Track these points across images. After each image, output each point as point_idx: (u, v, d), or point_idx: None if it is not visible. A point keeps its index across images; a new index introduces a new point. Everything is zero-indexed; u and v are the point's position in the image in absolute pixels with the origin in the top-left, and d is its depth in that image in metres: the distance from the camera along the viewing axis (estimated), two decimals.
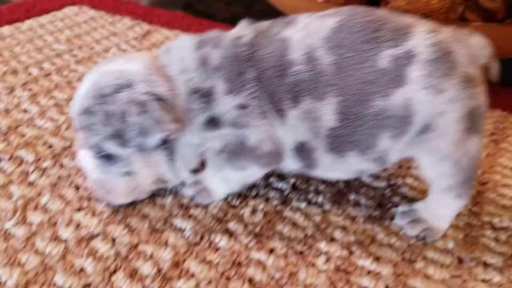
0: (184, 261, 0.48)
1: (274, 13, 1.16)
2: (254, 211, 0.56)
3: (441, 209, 0.53)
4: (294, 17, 0.50)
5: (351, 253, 0.52)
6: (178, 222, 0.53)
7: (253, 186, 0.59)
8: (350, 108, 0.46)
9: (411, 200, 0.59)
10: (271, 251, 0.51)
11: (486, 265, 0.51)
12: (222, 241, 0.51)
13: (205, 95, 0.49)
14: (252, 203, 0.57)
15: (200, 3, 1.27)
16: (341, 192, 0.60)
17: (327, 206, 0.57)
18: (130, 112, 0.46)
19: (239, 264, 0.49)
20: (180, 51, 0.51)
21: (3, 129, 0.65)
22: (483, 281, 0.49)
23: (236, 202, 0.57)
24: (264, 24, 0.52)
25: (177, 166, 0.52)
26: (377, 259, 0.51)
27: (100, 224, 0.52)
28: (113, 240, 0.50)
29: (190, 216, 0.54)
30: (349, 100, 0.46)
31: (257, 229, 0.53)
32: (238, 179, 0.54)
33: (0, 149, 0.61)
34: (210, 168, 0.55)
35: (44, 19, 1.00)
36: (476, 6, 0.91)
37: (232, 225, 0.53)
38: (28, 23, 0.98)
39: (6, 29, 0.94)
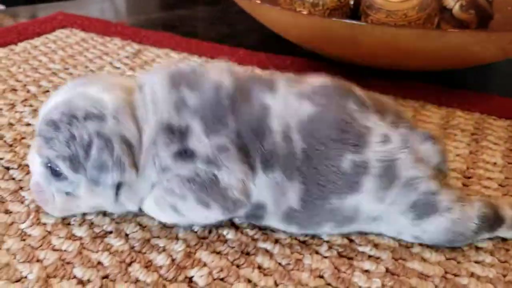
0: (195, 252, 0.51)
1: (256, 32, 1.21)
2: None
3: None
4: (274, 81, 0.52)
5: (351, 241, 0.55)
6: None
7: None
8: (311, 198, 0.49)
9: None
10: (276, 241, 0.54)
11: (477, 248, 0.55)
12: (229, 234, 0.54)
13: (178, 131, 0.48)
14: None
15: (183, 25, 1.31)
16: None
17: None
18: (95, 144, 0.47)
19: (248, 253, 0.52)
20: (153, 90, 0.50)
21: (9, 141, 0.67)
22: (476, 262, 0.53)
23: None
24: (243, 77, 0.52)
25: (121, 201, 0.51)
26: (375, 245, 0.54)
27: (112, 223, 0.54)
28: (126, 235, 0.52)
29: None
30: (310, 191, 0.49)
31: None
32: (192, 213, 0.51)
33: (8, 158, 0.63)
34: (158, 192, 0.50)
35: (36, 41, 1.03)
36: (450, 18, 0.97)
37: (237, 220, 0.56)
38: (21, 45, 1.01)
39: (0, 51, 0.97)
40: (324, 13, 0.91)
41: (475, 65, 0.97)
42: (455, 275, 0.51)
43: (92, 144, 0.47)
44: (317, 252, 0.53)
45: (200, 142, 0.48)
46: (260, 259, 0.51)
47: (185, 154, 0.48)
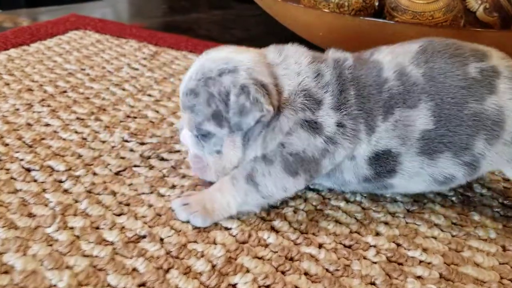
0: (236, 257, 0.48)
1: (272, 35, 1.19)
2: (296, 211, 0.56)
3: None
4: (377, 48, 0.55)
5: (398, 245, 0.52)
6: (223, 222, 0.52)
7: None
8: (445, 110, 0.49)
9: (443, 196, 0.60)
10: (320, 246, 0.50)
11: None
12: (270, 238, 0.51)
13: (316, 102, 0.51)
14: (292, 204, 0.57)
15: (199, 28, 1.29)
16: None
17: (366, 204, 0.58)
18: (231, 93, 0.49)
19: (292, 259, 0.48)
20: (297, 57, 0.53)
21: (28, 141, 0.64)
22: None
23: (276, 203, 0.56)
24: (353, 54, 0.56)
25: (247, 152, 0.53)
26: (424, 250, 0.51)
27: (145, 227, 0.50)
28: (161, 240, 0.49)
29: (232, 218, 0.53)
30: (443, 103, 0.49)
31: (302, 227, 0.53)
32: (278, 185, 0.51)
33: (29, 159, 0.60)
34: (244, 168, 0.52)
35: (50, 42, 1.00)
36: (474, 20, 0.95)
37: (277, 223, 0.53)
38: (34, 46, 0.97)
39: (13, 52, 0.93)
40: (350, 13, 0.88)
41: None
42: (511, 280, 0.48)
43: (229, 95, 0.50)
44: (365, 258, 0.49)
45: (327, 117, 0.51)
46: (306, 264, 0.48)
47: (314, 127, 0.50)
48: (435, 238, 0.53)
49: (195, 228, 0.51)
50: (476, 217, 0.57)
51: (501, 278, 0.48)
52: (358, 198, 0.58)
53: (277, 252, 0.49)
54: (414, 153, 0.51)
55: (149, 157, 0.63)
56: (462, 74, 0.49)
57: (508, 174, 0.53)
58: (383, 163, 0.52)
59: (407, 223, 0.55)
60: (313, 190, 0.60)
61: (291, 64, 0.53)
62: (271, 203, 0.54)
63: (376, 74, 0.52)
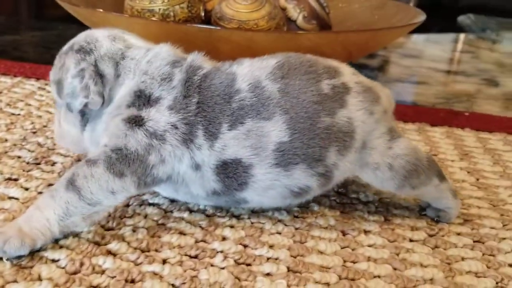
0: None
1: None
2: (135, 229, 0.51)
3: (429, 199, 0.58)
4: (240, 60, 0.55)
5: (245, 246, 0.50)
6: (48, 254, 0.45)
7: (127, 205, 0.55)
8: (299, 123, 0.50)
9: None
10: (164, 261, 0.47)
11: (366, 232, 0.55)
12: (106, 262, 0.45)
13: (146, 99, 0.50)
14: (130, 222, 0.52)
15: (15, 50, 1.16)
16: None
17: (210, 211, 0.56)
18: (69, 72, 0.51)
19: (133, 281, 0.44)
20: (155, 57, 0.53)
21: None
22: (369, 245, 0.53)
23: (112, 224, 0.51)
24: (215, 63, 0.56)
25: (87, 133, 0.54)
26: (271, 246, 0.51)
27: None
28: None
29: (61, 247, 0.47)
30: (298, 117, 0.50)
31: (143, 245, 0.48)
32: (103, 187, 0.47)
33: None
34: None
35: None
36: (296, 28, 1.01)
37: (113, 246, 0.48)
38: None
39: None
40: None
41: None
42: (353, 262, 0.50)
43: (70, 72, 0.52)
44: (212, 265, 0.47)
45: (159, 115, 0.49)
46: (149, 284, 0.43)
47: (136, 121, 0.49)
48: (279, 233, 0.53)
49: (14, 265, 0.43)
50: (316, 208, 0.59)
51: (344, 261, 0.50)
52: (202, 207, 0.56)
53: (115, 277, 0.44)
54: (268, 164, 0.50)
55: None
56: (314, 90, 0.51)
57: (364, 179, 0.55)
58: (233, 174, 0.50)
59: (252, 223, 0.54)
60: (153, 204, 0.56)
61: (142, 62, 0.52)
62: (102, 213, 0.49)
63: (228, 85, 0.51)
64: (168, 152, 0.49)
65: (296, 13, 1.01)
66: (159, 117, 0.49)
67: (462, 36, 1.80)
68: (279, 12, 0.94)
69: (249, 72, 0.52)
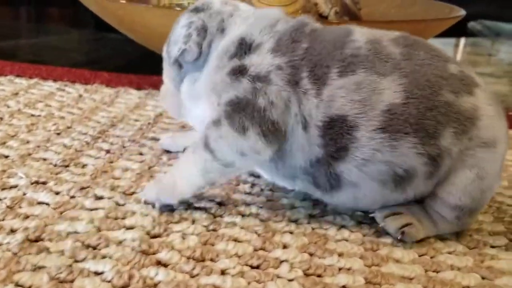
0: None
1: (116, 57, 1.08)
2: (184, 236, 0.45)
3: None
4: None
5: (311, 255, 0.44)
6: (91, 265, 0.39)
7: (172, 210, 0.48)
8: (418, 90, 0.45)
9: None
10: (223, 272, 0.40)
11: (442, 238, 0.49)
12: (159, 275, 0.39)
13: (248, 46, 0.49)
14: (177, 228, 0.46)
15: (27, 53, 1.11)
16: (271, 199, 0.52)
17: (264, 215, 0.49)
18: (182, 23, 0.53)
19: None
20: (262, 13, 0.53)
21: None
22: (449, 253, 0.47)
23: (159, 230, 0.45)
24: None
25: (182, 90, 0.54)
26: (340, 255, 0.44)
27: None
28: None
29: (104, 257, 0.40)
30: (417, 83, 0.45)
31: (197, 254, 0.42)
32: (233, 148, 0.46)
33: None
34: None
35: None
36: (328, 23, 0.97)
37: (163, 255, 0.41)
38: None
39: None
40: None
41: None
42: (436, 271, 0.43)
43: (179, 23, 0.54)
44: (279, 276, 0.40)
45: (261, 59, 0.48)
46: None
47: (239, 71, 0.48)
48: (346, 240, 0.47)
49: (52, 279, 0.37)
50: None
51: (425, 271, 0.43)
52: (254, 210, 0.50)
53: None
54: (374, 127, 0.44)
55: None
56: (440, 67, 0.46)
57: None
58: (336, 135, 0.44)
59: (313, 228, 0.48)
60: (199, 208, 0.49)
61: (248, 17, 0.52)
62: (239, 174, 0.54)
63: (343, 35, 0.48)
64: (275, 94, 0.46)
65: (328, 9, 0.97)
66: (261, 60, 0.48)
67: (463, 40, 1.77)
68: (312, 7, 0.89)
69: (369, 32, 0.49)
